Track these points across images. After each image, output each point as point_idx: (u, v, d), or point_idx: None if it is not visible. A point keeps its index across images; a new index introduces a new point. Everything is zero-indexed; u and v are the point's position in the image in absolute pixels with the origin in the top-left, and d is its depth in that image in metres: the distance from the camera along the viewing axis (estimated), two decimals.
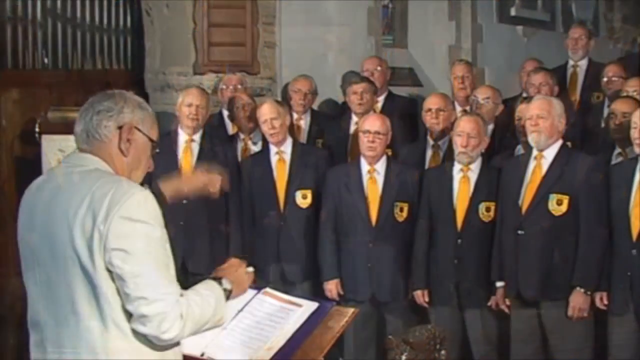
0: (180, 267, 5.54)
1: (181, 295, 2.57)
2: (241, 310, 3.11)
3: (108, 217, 2.48)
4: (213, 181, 3.68)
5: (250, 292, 3.21)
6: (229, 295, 2.77)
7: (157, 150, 2.80)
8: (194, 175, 3.71)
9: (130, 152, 2.70)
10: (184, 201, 5.69)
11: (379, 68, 7.05)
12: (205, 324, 2.64)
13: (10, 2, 6.91)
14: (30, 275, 2.68)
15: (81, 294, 2.53)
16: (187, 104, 5.91)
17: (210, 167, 5.74)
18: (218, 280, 2.79)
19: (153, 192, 2.76)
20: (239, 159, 6.21)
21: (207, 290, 2.70)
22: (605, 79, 6.55)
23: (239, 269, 2.90)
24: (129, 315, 2.53)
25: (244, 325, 3.02)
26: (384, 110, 6.73)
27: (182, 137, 5.93)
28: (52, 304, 2.60)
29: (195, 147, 5.92)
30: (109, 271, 2.50)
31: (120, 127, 2.67)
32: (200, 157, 5.86)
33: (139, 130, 2.71)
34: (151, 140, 2.75)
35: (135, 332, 2.54)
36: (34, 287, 2.66)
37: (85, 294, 2.52)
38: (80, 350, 2.55)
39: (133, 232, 2.50)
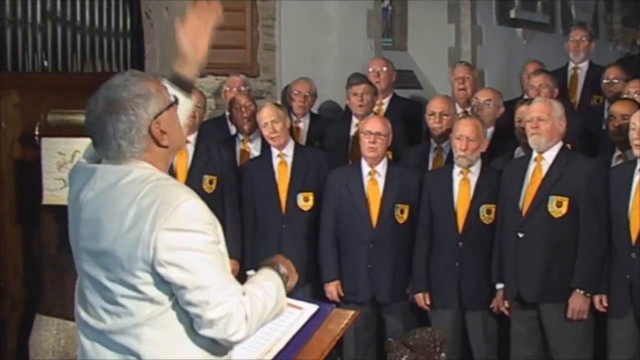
0: None
1: (243, 293, 2.53)
2: None
3: (154, 229, 2.43)
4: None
5: None
6: (286, 281, 2.73)
7: (178, 102, 2.68)
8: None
9: (169, 136, 2.60)
10: None
11: (384, 69, 7.04)
12: (269, 316, 2.61)
13: (10, 5, 6.91)
14: (79, 267, 2.66)
15: (124, 297, 2.50)
16: None
17: (205, 169, 5.80)
18: (274, 266, 2.75)
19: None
20: (238, 159, 6.21)
21: (267, 281, 2.66)
22: (605, 81, 6.55)
23: (287, 259, 2.84)
24: (183, 316, 2.52)
25: None
26: (388, 113, 6.73)
27: None
28: (97, 303, 2.58)
29: (190, 149, 5.91)
30: (154, 278, 2.47)
31: (149, 131, 2.57)
32: (195, 158, 5.86)
33: (159, 114, 2.58)
34: (170, 106, 2.63)
35: (198, 335, 2.53)
36: (83, 280, 2.64)
37: (129, 297, 2.50)
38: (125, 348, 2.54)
39: (184, 243, 2.44)
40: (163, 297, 2.50)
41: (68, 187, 2.74)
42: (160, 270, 2.45)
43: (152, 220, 2.44)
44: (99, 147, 2.59)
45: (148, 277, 2.47)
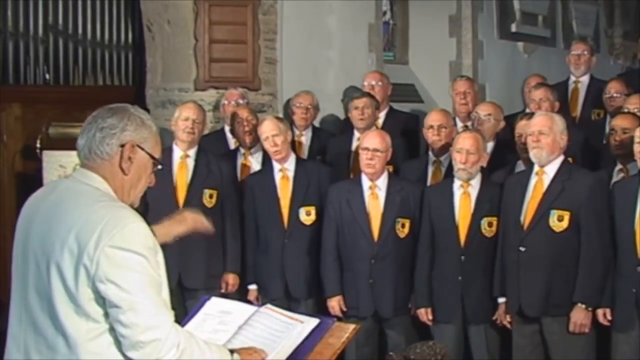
0: (177, 284, 5.54)
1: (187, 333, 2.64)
2: (242, 326, 3.10)
3: (99, 245, 2.49)
4: (201, 222, 3.56)
5: (251, 309, 3.20)
6: None
7: (160, 167, 2.80)
8: (182, 219, 3.51)
9: (131, 170, 2.71)
10: None
11: (380, 83, 7.05)
12: None
13: (12, 18, 6.94)
14: (17, 286, 2.70)
15: (63, 310, 2.54)
16: (184, 118, 5.91)
17: (205, 183, 5.80)
18: (232, 351, 2.81)
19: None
20: (239, 173, 6.21)
21: (216, 348, 2.74)
22: (607, 96, 6.55)
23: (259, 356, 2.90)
24: (114, 337, 2.55)
25: (245, 341, 3.00)
26: (385, 126, 6.72)
27: (177, 153, 5.91)
28: (32, 313, 2.62)
29: (191, 163, 5.91)
30: (95, 294, 2.52)
31: (122, 145, 2.67)
32: (196, 173, 5.86)
33: (141, 148, 2.71)
34: (153, 158, 2.75)
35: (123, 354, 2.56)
36: (18, 301, 2.69)
37: (68, 310, 2.54)
38: None
39: (126, 262, 2.51)
40: (99, 316, 2.54)
41: (27, 204, 2.79)
42: (100, 286, 2.50)
43: (98, 236, 2.50)
44: (83, 140, 2.69)
45: (89, 292, 2.52)
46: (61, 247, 2.53)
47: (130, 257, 2.51)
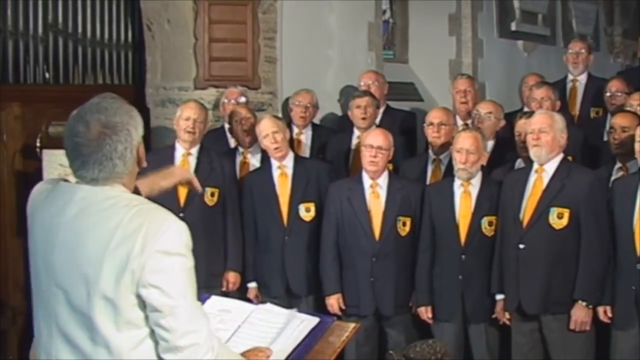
0: None
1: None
2: (241, 325, 3.10)
3: (144, 251, 2.46)
4: (189, 178, 3.52)
5: (250, 307, 3.21)
6: None
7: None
8: (169, 173, 3.46)
9: (143, 159, 2.72)
10: (180, 214, 5.73)
11: (376, 82, 7.06)
12: None
13: (11, 17, 6.93)
14: (41, 302, 2.64)
15: (104, 321, 2.50)
16: (185, 117, 5.91)
17: (207, 182, 5.80)
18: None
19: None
20: (238, 172, 6.21)
21: (236, 357, 2.77)
22: (608, 94, 6.55)
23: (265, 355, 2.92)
24: (155, 341, 2.55)
25: (244, 340, 3.01)
26: (382, 125, 6.73)
27: (179, 151, 5.93)
28: (65, 327, 2.57)
29: (193, 161, 5.91)
30: (137, 299, 2.50)
31: (137, 151, 2.64)
32: (198, 171, 5.86)
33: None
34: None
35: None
36: (45, 316, 2.64)
37: (108, 321, 2.50)
38: None
39: (170, 266, 2.49)
40: (141, 320, 2.53)
41: (37, 206, 2.71)
42: (142, 291, 2.48)
43: (142, 242, 2.46)
44: (88, 169, 2.59)
45: (132, 298, 2.50)
46: (100, 259, 2.48)
47: (175, 261, 2.50)
